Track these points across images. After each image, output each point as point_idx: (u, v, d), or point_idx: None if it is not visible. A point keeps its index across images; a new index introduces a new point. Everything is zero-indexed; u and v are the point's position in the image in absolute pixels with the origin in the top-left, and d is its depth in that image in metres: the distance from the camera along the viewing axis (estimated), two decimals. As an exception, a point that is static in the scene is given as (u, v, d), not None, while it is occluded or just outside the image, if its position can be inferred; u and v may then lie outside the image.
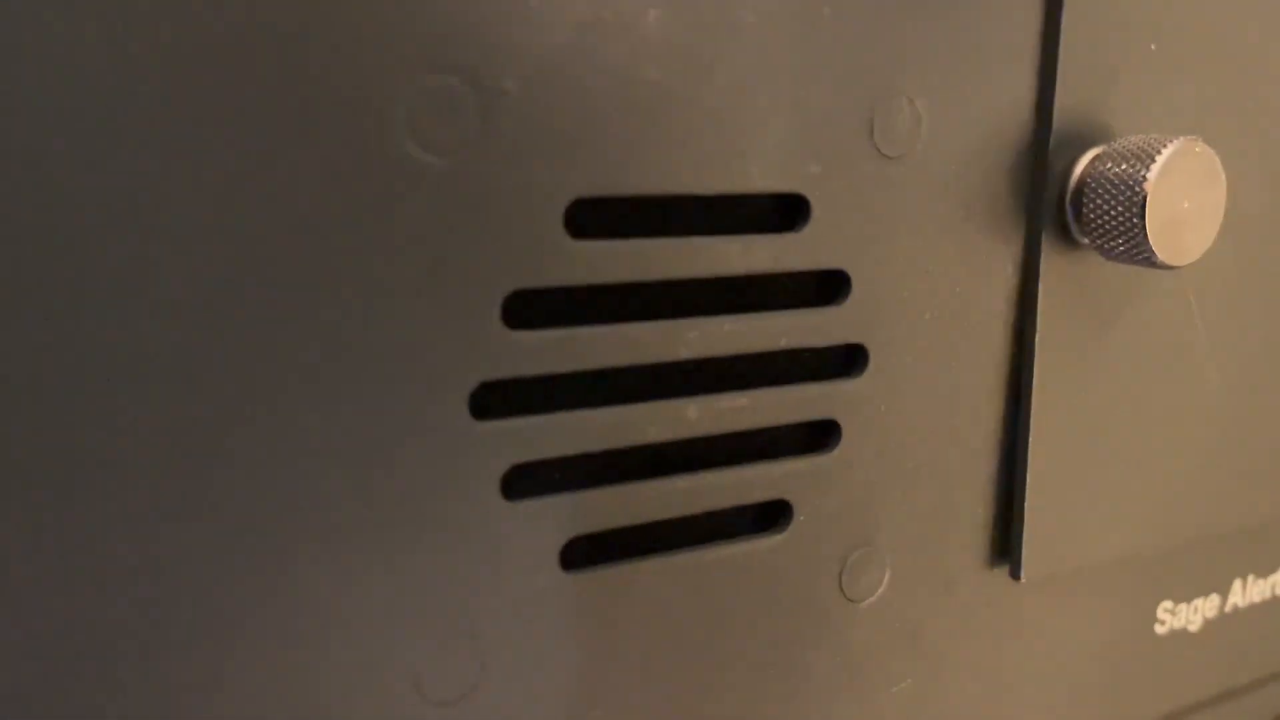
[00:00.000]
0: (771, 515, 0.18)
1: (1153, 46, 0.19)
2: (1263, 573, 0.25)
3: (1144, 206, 0.17)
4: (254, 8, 0.12)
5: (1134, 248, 0.17)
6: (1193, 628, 0.23)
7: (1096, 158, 0.18)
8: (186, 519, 0.13)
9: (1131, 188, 0.17)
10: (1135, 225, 0.17)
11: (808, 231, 0.16)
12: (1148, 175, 0.17)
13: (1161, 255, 0.17)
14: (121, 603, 0.13)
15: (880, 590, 0.19)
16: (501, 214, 0.14)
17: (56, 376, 0.12)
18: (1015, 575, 0.19)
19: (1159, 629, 0.23)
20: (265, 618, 0.13)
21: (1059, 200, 0.18)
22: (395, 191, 0.13)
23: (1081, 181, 0.18)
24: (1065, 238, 0.18)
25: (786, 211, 0.17)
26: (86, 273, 0.12)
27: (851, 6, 0.16)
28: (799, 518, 0.17)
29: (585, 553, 0.16)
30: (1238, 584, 0.24)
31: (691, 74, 0.15)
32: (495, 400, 0.15)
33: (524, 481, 0.15)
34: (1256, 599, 0.24)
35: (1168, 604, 0.23)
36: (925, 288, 0.18)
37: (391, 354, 0.14)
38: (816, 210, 0.16)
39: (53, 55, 0.11)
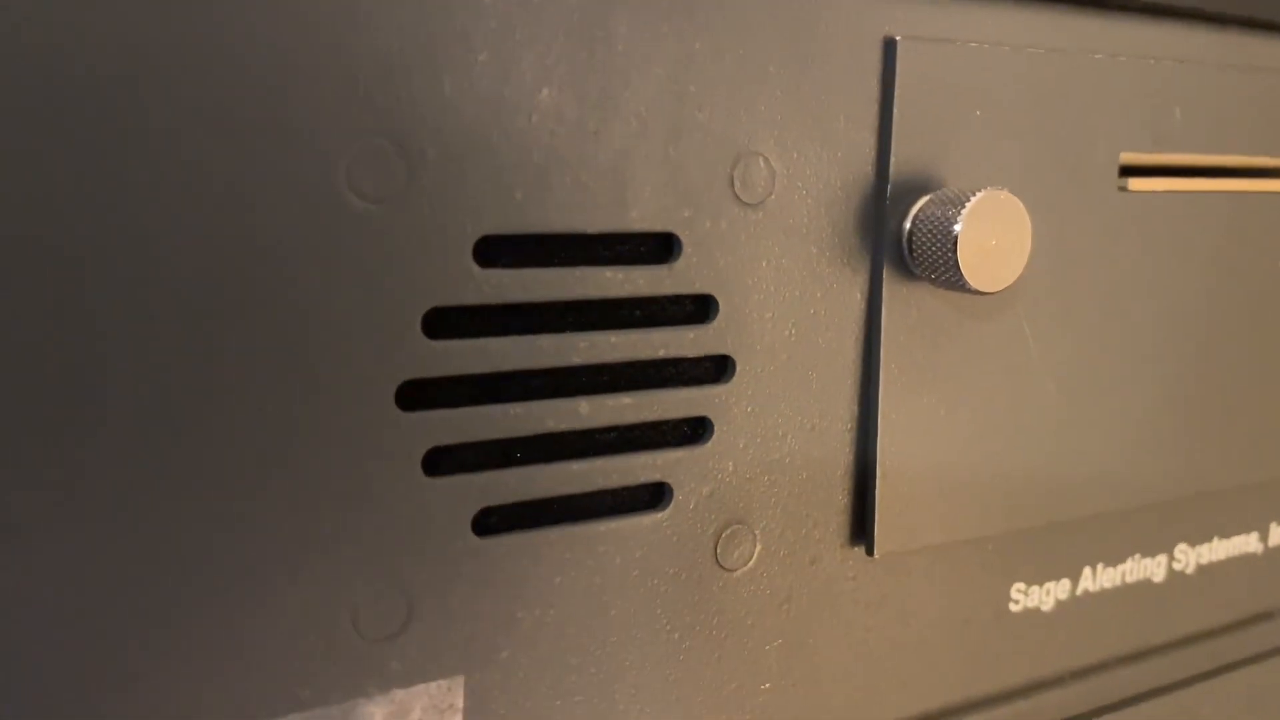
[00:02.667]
0: (656, 496, 0.21)
1: (977, 113, 0.23)
2: (1113, 562, 0.28)
3: (956, 243, 0.21)
4: (241, 86, 0.16)
5: (951, 278, 0.21)
6: (1045, 608, 0.27)
7: (924, 204, 0.22)
8: (181, 480, 0.17)
9: (946, 229, 0.21)
10: (950, 259, 0.21)
11: (679, 264, 0.20)
12: (958, 218, 0.21)
13: (974, 283, 0.21)
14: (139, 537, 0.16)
15: (752, 562, 0.22)
16: (422, 248, 0.18)
17: (68, 377, 0.16)
18: (870, 552, 0.23)
19: (1013, 607, 0.26)
20: (235, 564, 0.17)
21: (896, 239, 0.22)
22: (336, 230, 0.17)
23: (913, 224, 0.22)
24: (903, 270, 0.22)
25: (663, 248, 0.21)
26: (85, 284, 0.16)
27: (713, 83, 0.20)
28: (678, 498, 0.21)
29: (498, 522, 0.20)
30: (1088, 570, 0.28)
31: (579, 137, 0.19)
32: (418, 395, 0.19)
33: (442, 461, 0.19)
34: (1107, 585, 0.28)
35: (1020, 585, 0.26)
36: (786, 310, 0.22)
37: (332, 357, 0.17)
38: (687, 247, 0.20)
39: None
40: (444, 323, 0.19)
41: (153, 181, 0.16)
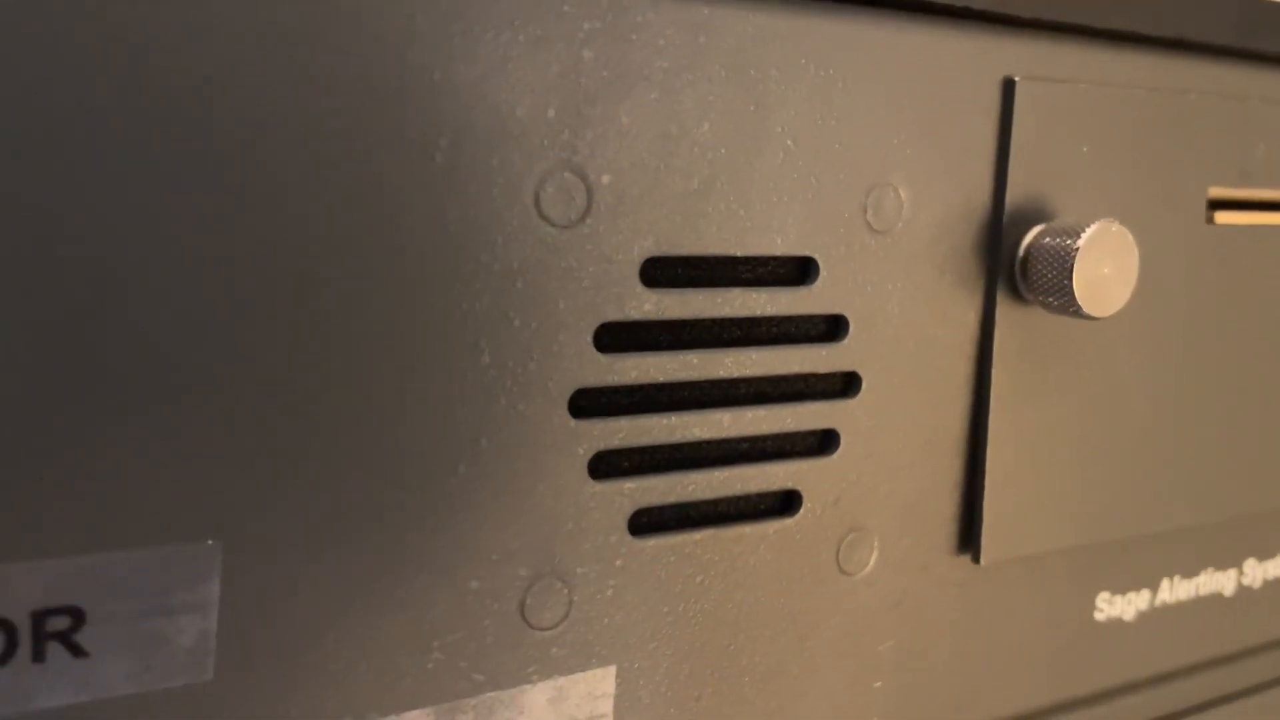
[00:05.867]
0: (786, 502, 0.23)
1: (1085, 148, 0.24)
2: (1188, 574, 0.30)
3: (1072, 271, 0.22)
4: (447, 120, 0.18)
5: (1066, 303, 0.23)
6: (1127, 617, 0.28)
7: (1039, 233, 0.23)
8: (371, 482, 0.18)
9: (1063, 257, 0.22)
10: (1066, 285, 0.22)
11: (817, 286, 0.22)
12: (1075, 247, 0.22)
13: (1087, 309, 0.23)
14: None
15: (869, 567, 0.24)
16: (596, 267, 0.19)
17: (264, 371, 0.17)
18: (976, 559, 0.25)
19: (1098, 616, 0.28)
20: (423, 556, 0.19)
21: (1010, 266, 0.24)
22: (524, 251, 0.19)
23: (1027, 252, 0.23)
24: (1016, 295, 0.24)
25: (801, 270, 0.22)
26: (296, 293, 0.17)
27: (851, 118, 0.22)
28: (807, 505, 0.23)
29: (648, 523, 0.21)
30: (1166, 582, 0.29)
31: (734, 168, 0.21)
32: (587, 403, 0.20)
33: (603, 465, 0.20)
34: (1182, 596, 0.30)
35: (1106, 594, 0.28)
36: (908, 330, 0.23)
37: (517, 367, 0.19)
38: (824, 270, 0.22)
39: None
40: (610, 337, 0.20)
41: (367, 202, 0.17)
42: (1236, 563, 0.31)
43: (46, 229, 0.15)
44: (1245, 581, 0.31)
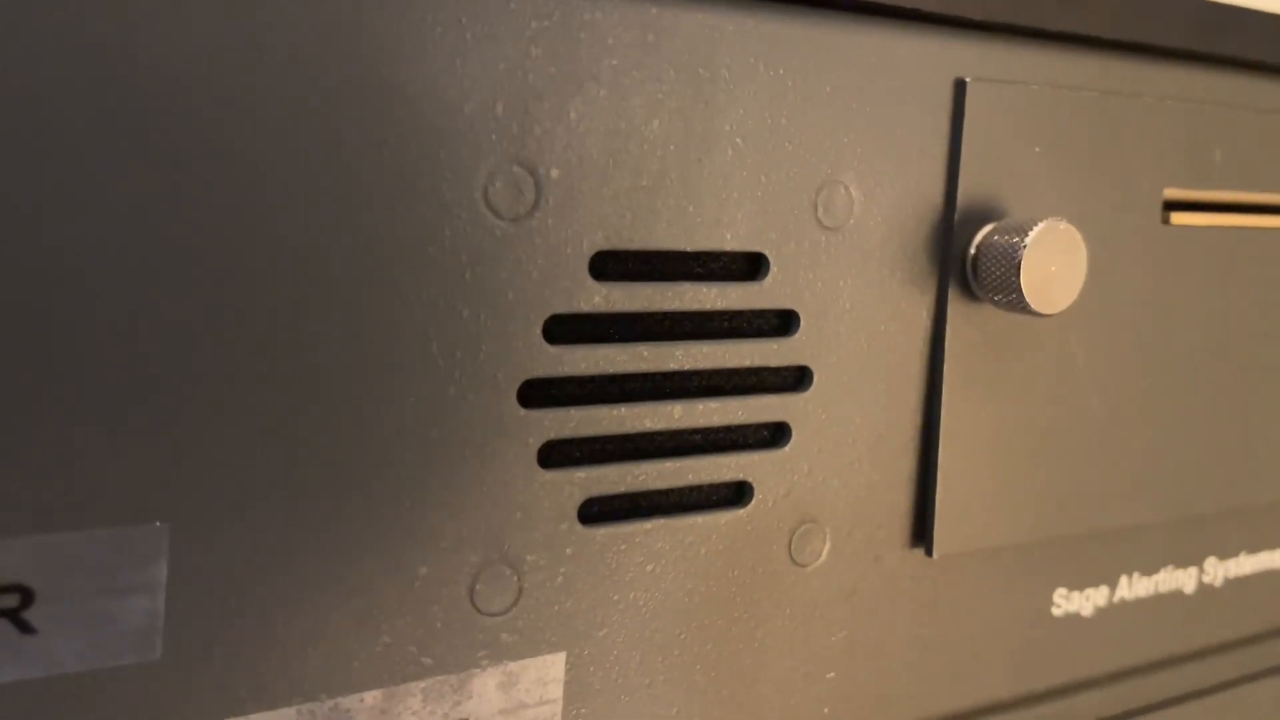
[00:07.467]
0: (738, 494, 0.23)
1: (1036, 149, 0.25)
2: (1147, 572, 0.30)
3: (1019, 268, 0.23)
4: (400, 115, 0.18)
5: (1014, 300, 0.23)
6: (1085, 613, 0.29)
7: (989, 232, 0.24)
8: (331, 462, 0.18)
9: (1011, 255, 0.23)
10: (1014, 283, 0.23)
11: (767, 281, 0.22)
12: (1023, 245, 0.23)
13: (1035, 306, 0.23)
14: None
15: (821, 558, 0.24)
16: (545, 261, 0.20)
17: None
18: (929, 553, 0.25)
19: (1055, 611, 0.28)
20: (373, 543, 0.19)
21: (961, 263, 0.24)
22: (473, 244, 0.19)
23: (978, 250, 0.24)
24: (967, 293, 0.24)
25: (752, 266, 0.22)
26: (259, 282, 0.18)
27: (802, 117, 0.22)
28: (758, 496, 0.23)
29: (599, 512, 0.22)
30: (1124, 579, 0.29)
31: (683, 165, 0.21)
32: (536, 394, 0.20)
33: (553, 454, 0.21)
34: (1141, 594, 0.30)
35: (1063, 590, 0.28)
36: (860, 326, 0.24)
37: (466, 357, 0.19)
38: (774, 266, 0.22)
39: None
40: (560, 329, 0.21)
41: (316, 196, 0.18)
42: (1197, 561, 0.31)
43: (7, 217, 0.16)
44: (1206, 580, 0.31)
